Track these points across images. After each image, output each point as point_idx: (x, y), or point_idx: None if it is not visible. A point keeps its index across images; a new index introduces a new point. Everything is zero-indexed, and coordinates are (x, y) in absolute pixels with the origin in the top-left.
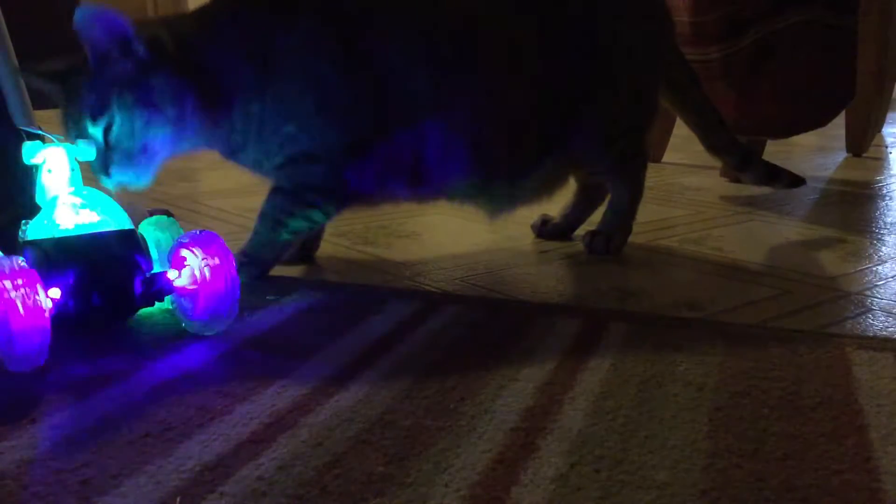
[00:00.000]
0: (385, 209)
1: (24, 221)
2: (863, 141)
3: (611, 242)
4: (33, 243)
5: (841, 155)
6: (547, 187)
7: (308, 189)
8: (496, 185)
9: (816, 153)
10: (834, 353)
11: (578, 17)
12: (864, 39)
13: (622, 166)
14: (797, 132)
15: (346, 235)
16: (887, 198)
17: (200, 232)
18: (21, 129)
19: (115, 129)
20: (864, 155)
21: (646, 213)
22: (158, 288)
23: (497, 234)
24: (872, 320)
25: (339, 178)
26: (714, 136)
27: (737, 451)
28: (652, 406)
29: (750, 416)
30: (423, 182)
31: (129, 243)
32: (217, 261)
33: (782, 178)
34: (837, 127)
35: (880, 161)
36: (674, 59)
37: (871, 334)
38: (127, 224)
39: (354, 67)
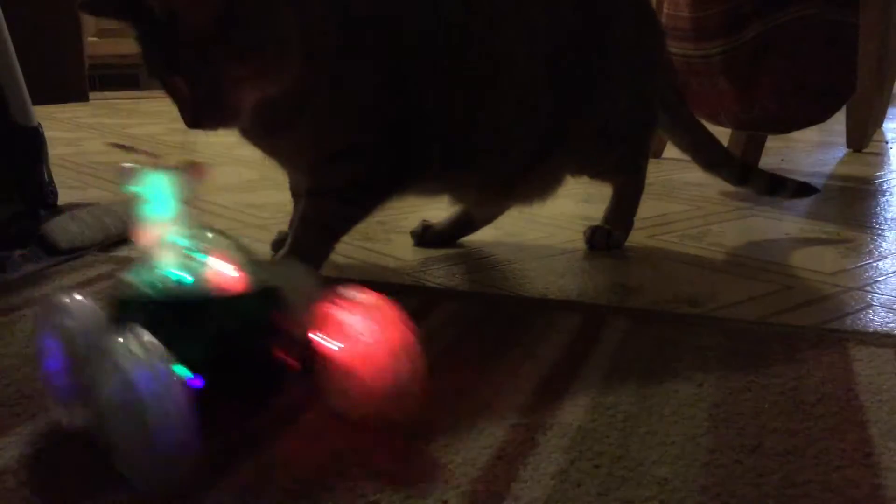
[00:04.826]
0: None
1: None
2: (863, 136)
3: (611, 237)
4: (148, 303)
5: (841, 150)
6: (541, 189)
7: (353, 185)
8: (496, 184)
9: (817, 148)
10: (834, 349)
11: (585, 15)
12: (865, 34)
13: (624, 164)
14: (798, 127)
15: None
16: (887, 193)
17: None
18: (19, 125)
19: None
20: (865, 150)
21: (646, 208)
22: (306, 358)
23: (498, 230)
24: (873, 316)
25: (383, 173)
26: (708, 152)
27: (737, 447)
28: (652, 402)
29: (750, 412)
30: (440, 176)
31: (270, 302)
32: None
33: (788, 187)
34: (838, 122)
35: (880, 156)
36: (664, 78)
37: (872, 330)
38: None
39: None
